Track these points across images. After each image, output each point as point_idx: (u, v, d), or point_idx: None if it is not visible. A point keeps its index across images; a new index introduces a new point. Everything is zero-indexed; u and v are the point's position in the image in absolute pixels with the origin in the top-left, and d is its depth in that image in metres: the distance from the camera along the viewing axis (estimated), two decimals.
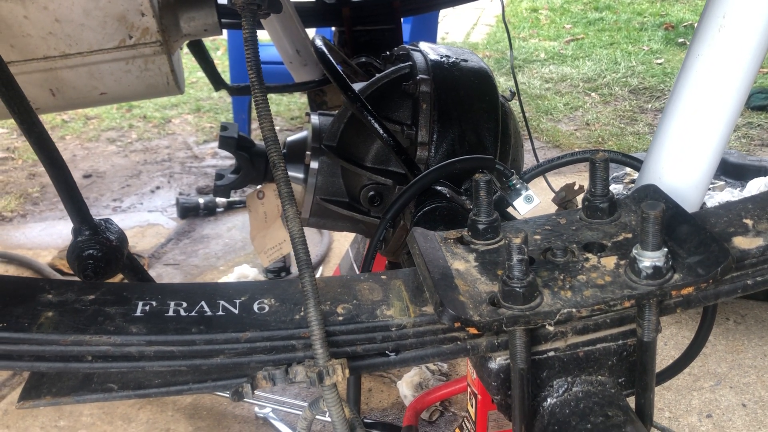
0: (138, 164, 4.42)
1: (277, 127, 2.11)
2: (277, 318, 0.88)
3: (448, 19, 7.76)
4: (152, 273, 3.15)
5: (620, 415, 0.92)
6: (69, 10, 1.46)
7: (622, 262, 0.90)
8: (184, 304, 0.88)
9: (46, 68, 1.54)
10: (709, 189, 2.94)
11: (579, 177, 3.22)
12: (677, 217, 0.96)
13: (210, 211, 3.61)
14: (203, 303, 0.88)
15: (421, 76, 1.60)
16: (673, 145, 1.16)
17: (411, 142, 1.60)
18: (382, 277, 0.96)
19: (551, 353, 0.93)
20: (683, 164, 1.16)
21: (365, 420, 2.09)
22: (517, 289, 0.84)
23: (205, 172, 4.19)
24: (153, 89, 1.70)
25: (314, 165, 1.68)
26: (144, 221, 3.63)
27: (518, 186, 1.40)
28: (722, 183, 3.01)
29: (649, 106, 5.00)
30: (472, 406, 1.50)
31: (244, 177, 1.84)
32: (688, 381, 2.29)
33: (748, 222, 0.97)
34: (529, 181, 1.46)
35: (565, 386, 0.96)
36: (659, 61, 5.87)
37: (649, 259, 0.85)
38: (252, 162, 1.80)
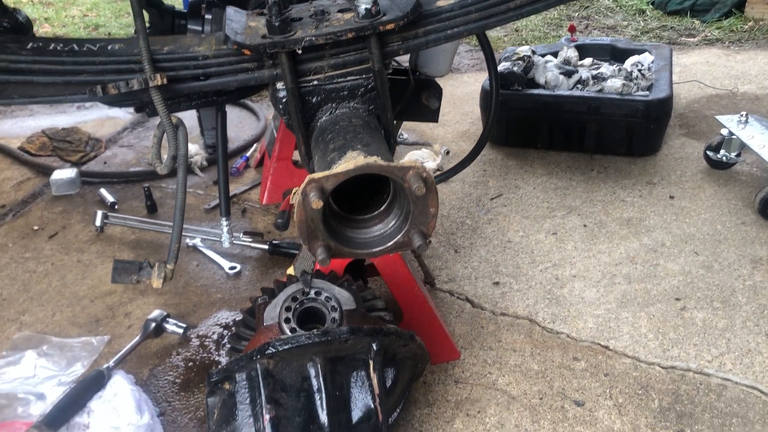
0: None
1: None
2: (123, 53, 1.33)
3: None
4: (108, 153, 3.60)
5: (360, 121, 1.37)
6: None
7: (354, 15, 1.34)
8: (61, 45, 1.32)
9: None
10: (592, 67, 3.37)
11: None
12: None
13: None
14: (74, 45, 1.32)
15: None
16: None
17: None
18: (201, 35, 1.41)
19: (315, 82, 1.38)
20: None
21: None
22: (275, 23, 1.28)
23: None
24: None
25: (208, 16, 2.12)
26: (104, 115, 4.04)
27: None
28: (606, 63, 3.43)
29: (577, 14, 5.38)
30: None
31: (154, 30, 2.26)
32: (545, 212, 2.77)
33: None
34: None
35: (331, 110, 1.41)
36: None
37: (363, 4, 1.29)
38: (161, 16, 2.22)
